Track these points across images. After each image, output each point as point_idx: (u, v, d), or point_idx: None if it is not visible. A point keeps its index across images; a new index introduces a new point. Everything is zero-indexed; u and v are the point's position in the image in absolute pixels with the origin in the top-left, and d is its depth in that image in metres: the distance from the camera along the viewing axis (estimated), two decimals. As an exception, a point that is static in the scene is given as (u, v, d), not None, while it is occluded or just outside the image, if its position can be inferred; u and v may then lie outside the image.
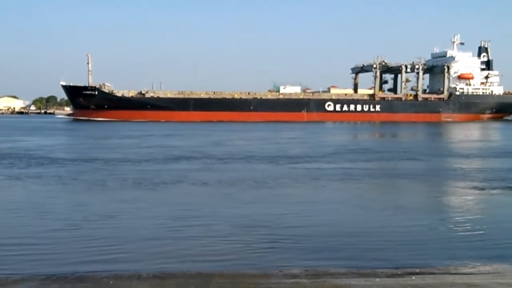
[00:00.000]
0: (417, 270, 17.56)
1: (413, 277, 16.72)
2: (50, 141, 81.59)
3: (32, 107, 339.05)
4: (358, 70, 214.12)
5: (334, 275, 17.11)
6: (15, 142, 77.29)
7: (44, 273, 17.29)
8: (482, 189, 36.24)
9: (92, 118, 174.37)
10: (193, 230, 23.53)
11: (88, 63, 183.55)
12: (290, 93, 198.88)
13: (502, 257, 19.76)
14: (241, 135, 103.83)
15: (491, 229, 24.56)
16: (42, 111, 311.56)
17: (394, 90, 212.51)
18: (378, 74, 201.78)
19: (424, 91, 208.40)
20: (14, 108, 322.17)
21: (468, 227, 24.91)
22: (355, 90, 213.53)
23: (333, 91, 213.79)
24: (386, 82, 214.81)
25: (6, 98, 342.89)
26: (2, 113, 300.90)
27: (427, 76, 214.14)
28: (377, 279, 16.57)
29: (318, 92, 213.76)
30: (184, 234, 22.85)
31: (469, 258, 19.45)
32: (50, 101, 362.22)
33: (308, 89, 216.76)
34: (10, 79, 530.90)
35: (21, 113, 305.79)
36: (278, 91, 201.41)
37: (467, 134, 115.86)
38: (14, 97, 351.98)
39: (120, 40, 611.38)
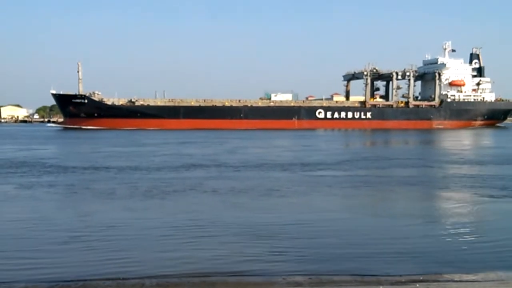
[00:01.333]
0: (421, 278, 17.37)
1: (417, 285, 16.60)
2: (58, 149, 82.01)
3: (36, 116, 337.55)
4: (350, 78, 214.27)
5: (337, 283, 17.08)
6: (25, 151, 76.44)
7: (47, 282, 17.22)
8: (491, 196, 35.81)
9: (82, 127, 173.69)
10: (198, 239, 23.30)
11: (78, 71, 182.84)
12: (281, 101, 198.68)
13: (506, 264, 19.50)
14: (256, 143, 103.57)
15: (497, 236, 24.27)
16: (46, 119, 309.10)
17: (386, 97, 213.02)
18: (369, 81, 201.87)
19: (416, 98, 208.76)
20: (17, 116, 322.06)
21: (474, 235, 24.70)
22: (347, 97, 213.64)
23: (336, 98, 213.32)
24: (378, 89, 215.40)
25: (9, 106, 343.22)
26: (6, 122, 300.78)
27: (420, 83, 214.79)
28: (381, 287, 16.48)
29: (321, 99, 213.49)
30: (189, 243, 22.62)
31: (474, 266, 19.21)
32: (53, 109, 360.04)
33: (311, 96, 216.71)
34: (14, 88, 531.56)
35: (25, 121, 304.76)
36: (270, 98, 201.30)
37: (469, 140, 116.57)
38: (18, 105, 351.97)
39: (111, 47, 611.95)
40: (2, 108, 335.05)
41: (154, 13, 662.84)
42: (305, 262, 19.73)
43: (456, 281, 17.22)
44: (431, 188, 40.55)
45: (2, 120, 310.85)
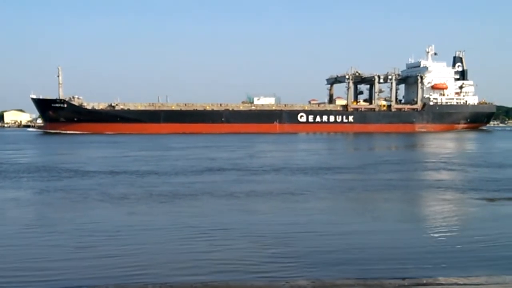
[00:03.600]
0: (424, 281, 17.10)
1: (420, 288, 16.35)
2: (80, 154, 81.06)
3: (39, 120, 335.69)
4: (333, 81, 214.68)
5: (340, 286, 16.74)
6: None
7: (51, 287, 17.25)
8: (500, 199, 35.47)
9: (62, 131, 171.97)
10: (201, 242, 23.04)
11: (58, 76, 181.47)
12: (262, 105, 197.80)
13: (511, 267, 19.29)
14: (281, 147, 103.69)
15: (501, 239, 23.97)
16: None
17: (369, 100, 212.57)
18: (351, 85, 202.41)
19: (400, 102, 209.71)
20: (21, 121, 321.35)
21: (478, 238, 24.18)
22: (330, 101, 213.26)
23: (338, 102, 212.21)
24: (361, 92, 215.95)
25: (13, 111, 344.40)
26: (9, 127, 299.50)
27: (404, 86, 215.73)
28: (384, 290, 16.28)
29: (324, 103, 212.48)
30: (192, 246, 22.40)
31: (478, 269, 18.93)
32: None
33: (313, 100, 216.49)
34: (17, 93, 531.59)
35: (28, 126, 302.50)
36: (252, 102, 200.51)
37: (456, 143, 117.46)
38: (21, 110, 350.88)
39: (96, 52, 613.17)
40: (5, 113, 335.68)
41: (131, 19, 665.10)
42: (308, 265, 19.47)
43: (460, 284, 16.87)
44: (446, 192, 39.42)
45: (5, 125, 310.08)
